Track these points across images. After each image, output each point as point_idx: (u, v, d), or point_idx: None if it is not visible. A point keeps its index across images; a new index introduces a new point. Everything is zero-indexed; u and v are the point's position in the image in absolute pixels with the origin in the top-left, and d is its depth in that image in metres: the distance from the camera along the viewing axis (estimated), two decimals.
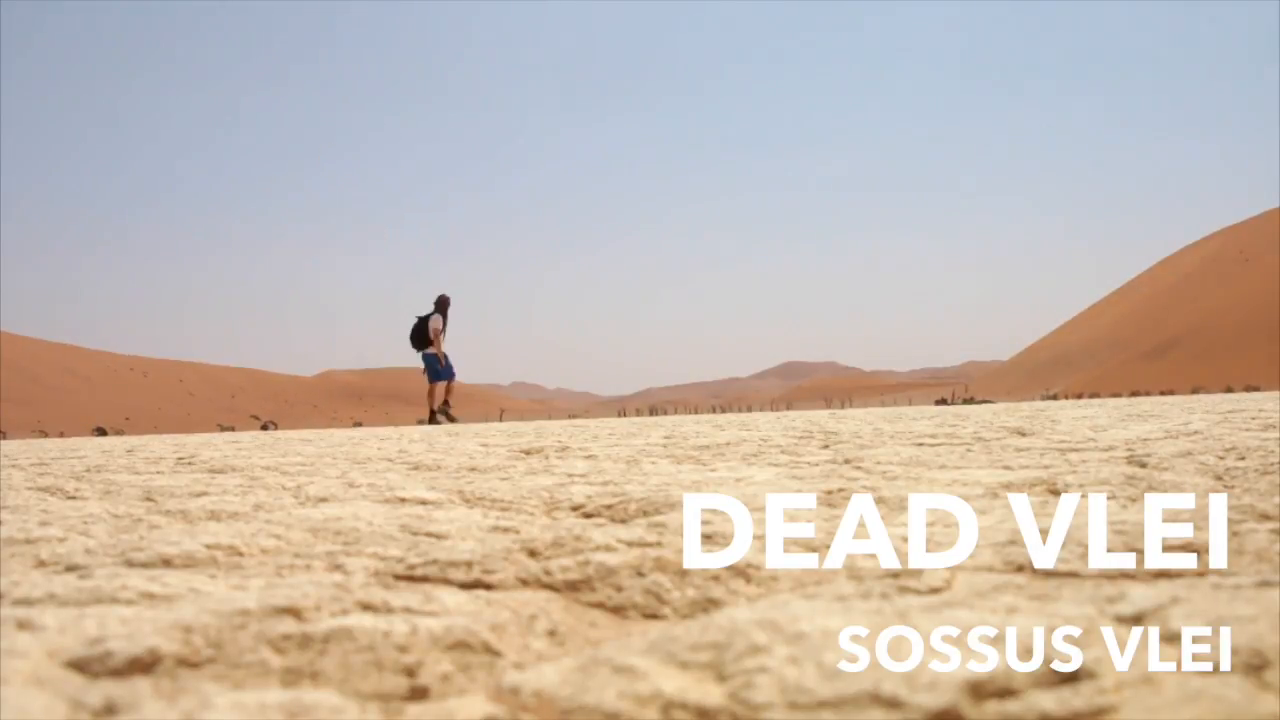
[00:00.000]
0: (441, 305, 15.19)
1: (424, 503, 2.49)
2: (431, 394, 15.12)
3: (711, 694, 0.88)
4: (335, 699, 0.92)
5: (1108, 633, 0.99)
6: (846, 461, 3.48)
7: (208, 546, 1.75)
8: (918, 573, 1.36)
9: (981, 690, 0.84)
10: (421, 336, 15.01)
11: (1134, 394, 46.80)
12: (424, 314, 15.22)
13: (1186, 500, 1.87)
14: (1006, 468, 2.92)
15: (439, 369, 15.04)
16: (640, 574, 1.41)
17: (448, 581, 1.44)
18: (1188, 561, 1.37)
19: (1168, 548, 1.44)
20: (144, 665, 1.01)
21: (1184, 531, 1.54)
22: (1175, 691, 0.83)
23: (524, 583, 1.42)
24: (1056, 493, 2.24)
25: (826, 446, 4.54)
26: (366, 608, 1.23)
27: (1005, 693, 0.84)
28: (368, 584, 1.41)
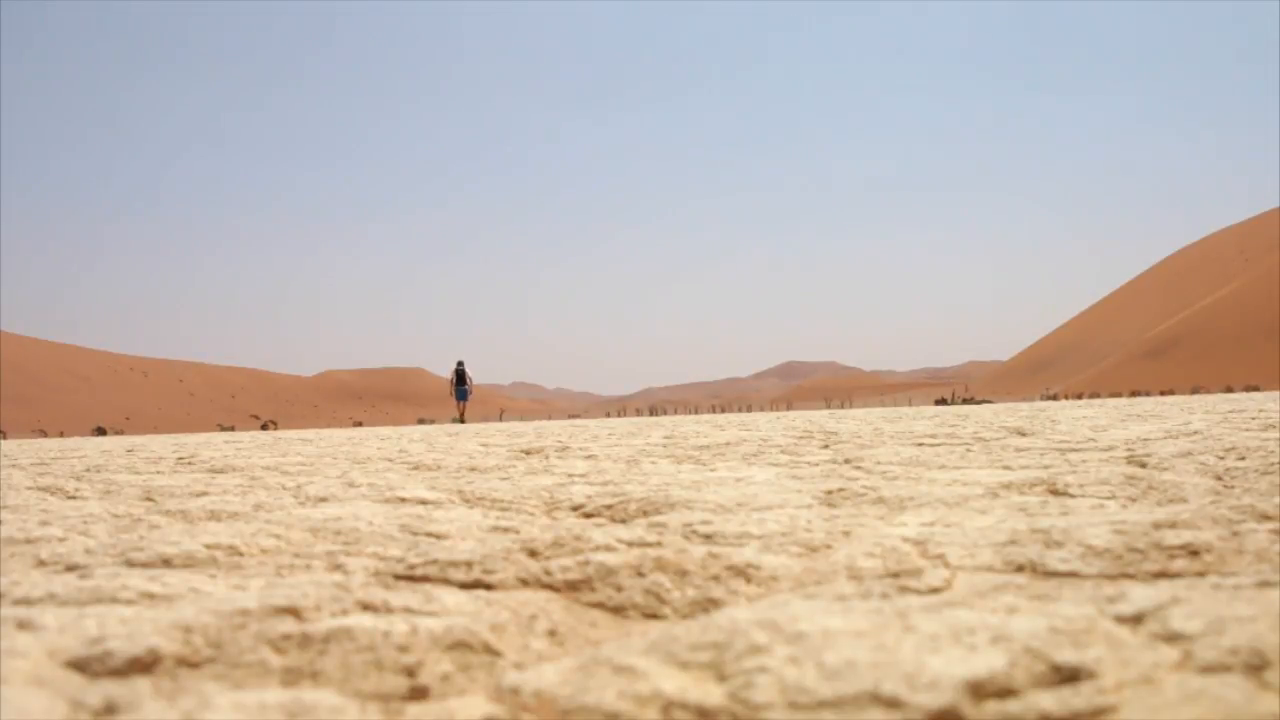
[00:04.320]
0: (460, 366, 28.06)
1: (424, 503, 2.49)
2: (464, 406, 27.73)
3: (711, 694, 0.88)
4: (335, 699, 0.92)
5: (1108, 633, 0.99)
6: (846, 461, 3.48)
7: (208, 546, 1.75)
8: (918, 572, 1.36)
9: (981, 690, 0.84)
10: (461, 378, 27.52)
11: (1134, 394, 46.80)
12: (459, 368, 27.45)
13: (1186, 500, 1.87)
14: (1006, 468, 2.92)
15: (467, 394, 27.81)
16: (640, 574, 1.41)
17: (448, 581, 1.44)
18: (1188, 561, 1.37)
19: (1168, 548, 1.44)
20: (144, 665, 1.01)
21: (1184, 531, 1.54)
22: (1175, 691, 0.83)
23: (524, 583, 1.42)
24: (1056, 493, 2.24)
25: (826, 446, 4.54)
26: (366, 608, 1.24)
27: (1005, 693, 0.84)
28: (368, 584, 1.41)
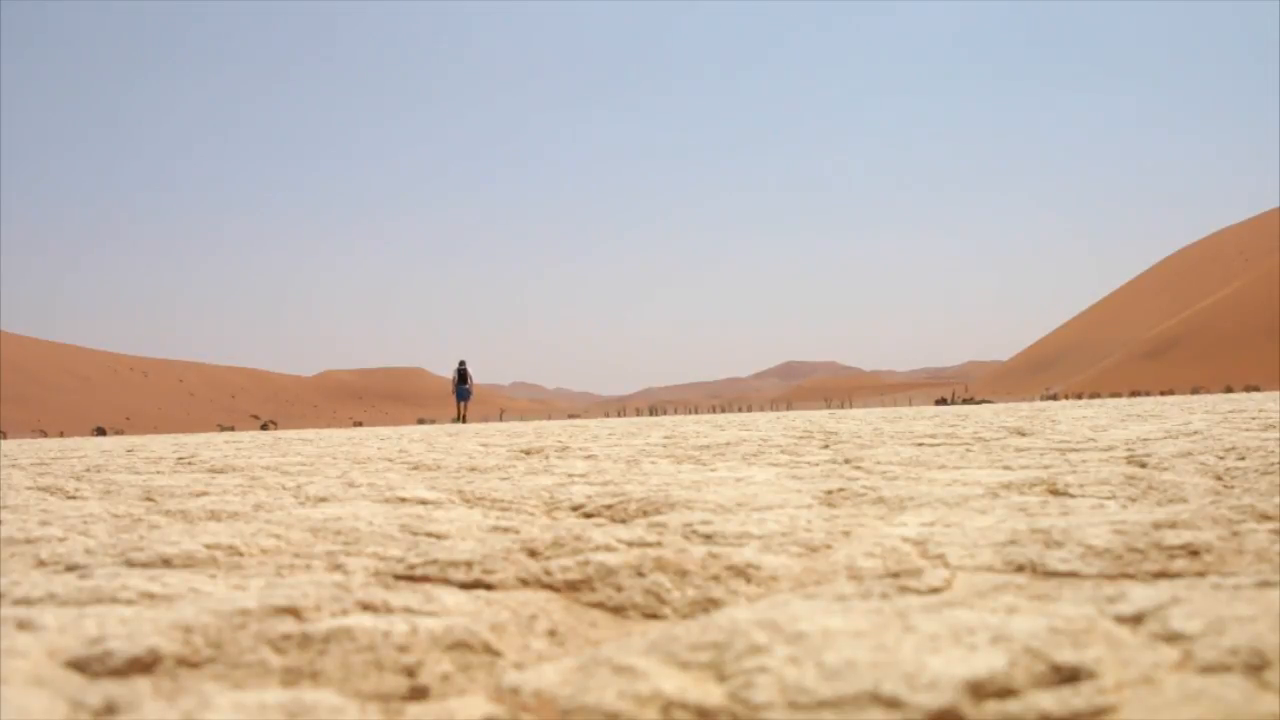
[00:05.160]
0: (462, 365, 28.56)
1: (424, 503, 2.49)
2: (465, 406, 28.06)
3: (711, 694, 0.88)
4: (335, 699, 0.92)
5: (1108, 633, 0.99)
6: (846, 461, 3.49)
7: (208, 546, 1.75)
8: (918, 572, 1.36)
9: (981, 690, 0.84)
10: (463, 378, 27.86)
11: (1134, 394, 46.82)
12: (461, 368, 27.80)
13: (1186, 500, 1.87)
14: (1006, 468, 2.92)
15: (468, 394, 28.10)
16: (640, 574, 1.41)
17: (448, 581, 1.44)
18: (1188, 562, 1.37)
19: (1168, 548, 1.44)
20: (144, 665, 1.01)
21: (1184, 531, 1.54)
22: (1175, 691, 0.83)
23: (524, 583, 1.42)
24: (1057, 493, 2.24)
25: (826, 446, 4.54)
26: (366, 608, 1.24)
27: (1005, 693, 0.84)
28: (368, 584, 1.41)
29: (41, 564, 1.71)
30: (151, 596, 1.34)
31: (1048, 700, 0.82)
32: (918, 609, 1.12)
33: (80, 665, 1.01)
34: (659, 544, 1.65)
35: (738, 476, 2.98)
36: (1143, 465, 2.81)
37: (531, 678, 0.95)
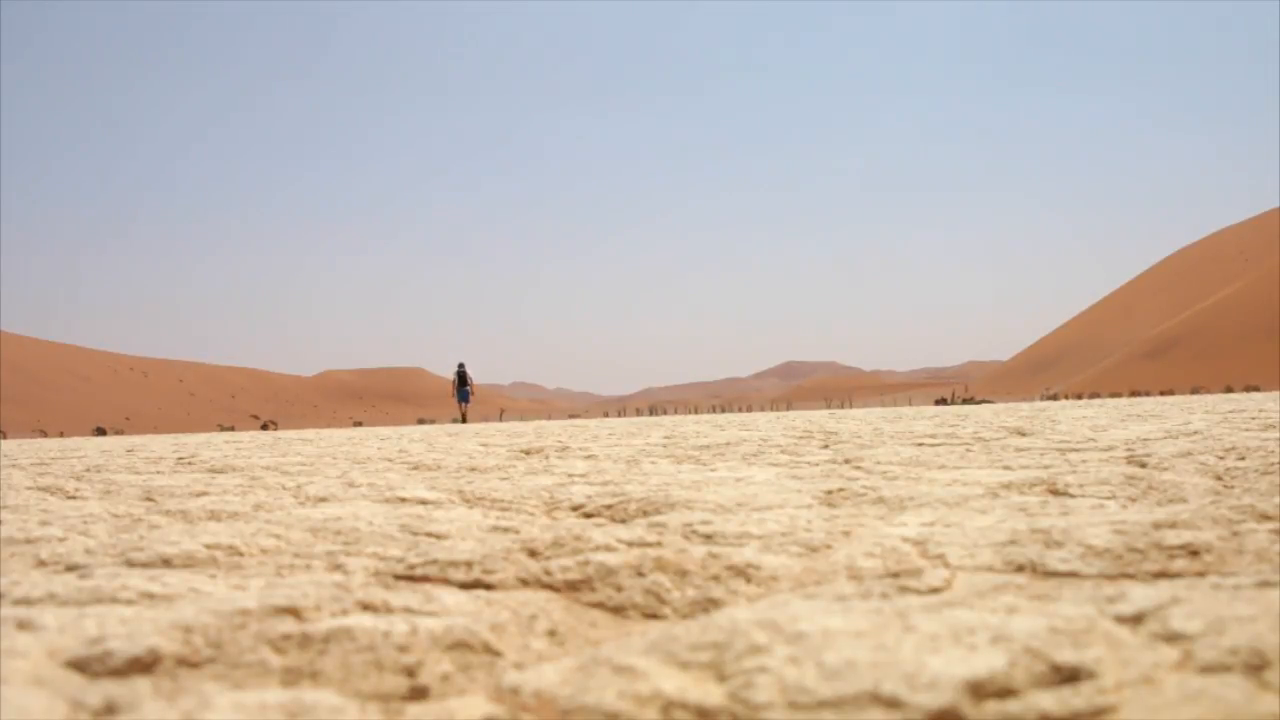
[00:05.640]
0: (461, 368, 29.66)
1: (424, 503, 2.49)
2: (466, 407, 29.27)
3: (711, 694, 0.88)
4: (335, 699, 0.92)
5: (1108, 633, 0.99)
6: (846, 461, 3.49)
7: (208, 546, 1.75)
8: (918, 572, 1.36)
9: (981, 690, 0.84)
10: (463, 380, 28.84)
11: (1134, 394, 46.82)
12: (460, 370, 28.78)
13: (1186, 500, 1.87)
14: (1006, 468, 2.92)
15: (469, 395, 29.17)
16: (640, 574, 1.41)
17: (448, 581, 1.44)
18: (1188, 562, 1.37)
19: (1168, 548, 1.44)
20: (144, 665, 1.01)
21: (1184, 531, 1.54)
22: (1175, 691, 0.83)
23: (524, 583, 1.42)
24: (1057, 493, 2.24)
25: (826, 446, 4.54)
26: (366, 608, 1.24)
27: (1005, 693, 0.84)
28: (368, 584, 1.41)
29: (41, 564, 1.71)
30: (151, 596, 1.34)
31: (1048, 700, 0.82)
32: (918, 609, 1.12)
33: (80, 665, 1.01)
34: (659, 544, 1.65)
35: (738, 476, 2.98)
36: (1143, 465, 2.81)
37: (531, 678, 0.95)
